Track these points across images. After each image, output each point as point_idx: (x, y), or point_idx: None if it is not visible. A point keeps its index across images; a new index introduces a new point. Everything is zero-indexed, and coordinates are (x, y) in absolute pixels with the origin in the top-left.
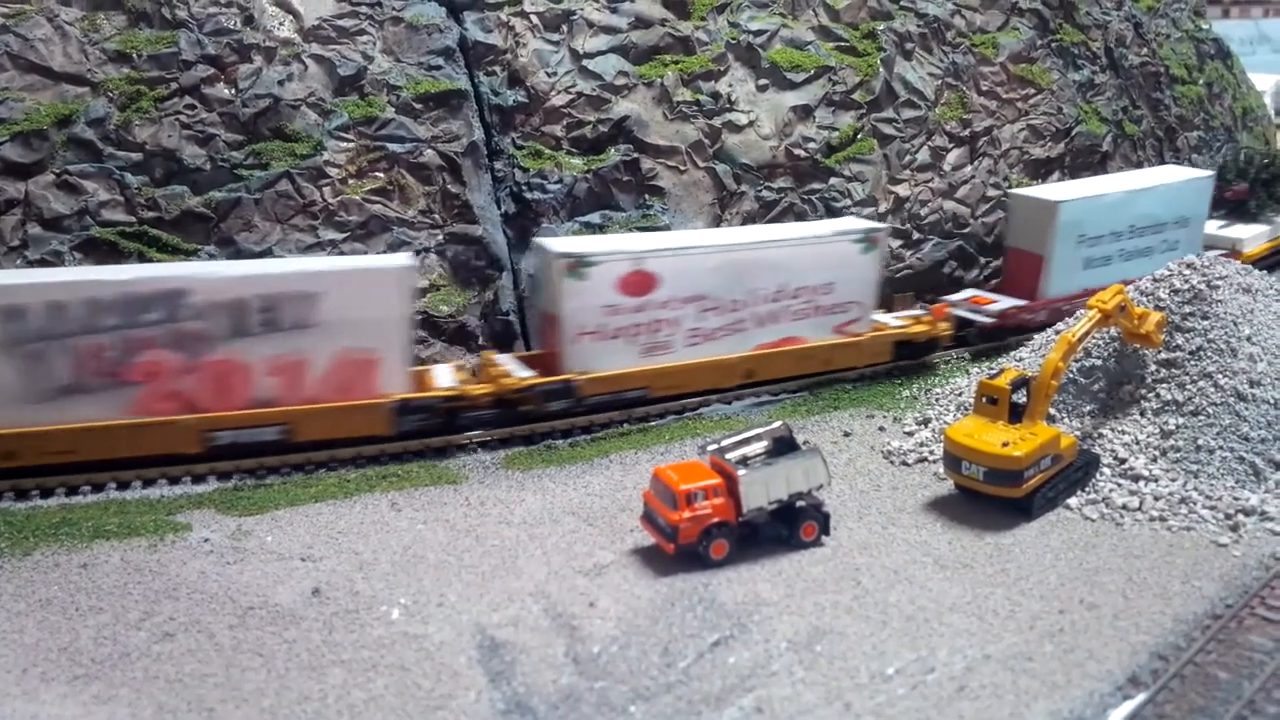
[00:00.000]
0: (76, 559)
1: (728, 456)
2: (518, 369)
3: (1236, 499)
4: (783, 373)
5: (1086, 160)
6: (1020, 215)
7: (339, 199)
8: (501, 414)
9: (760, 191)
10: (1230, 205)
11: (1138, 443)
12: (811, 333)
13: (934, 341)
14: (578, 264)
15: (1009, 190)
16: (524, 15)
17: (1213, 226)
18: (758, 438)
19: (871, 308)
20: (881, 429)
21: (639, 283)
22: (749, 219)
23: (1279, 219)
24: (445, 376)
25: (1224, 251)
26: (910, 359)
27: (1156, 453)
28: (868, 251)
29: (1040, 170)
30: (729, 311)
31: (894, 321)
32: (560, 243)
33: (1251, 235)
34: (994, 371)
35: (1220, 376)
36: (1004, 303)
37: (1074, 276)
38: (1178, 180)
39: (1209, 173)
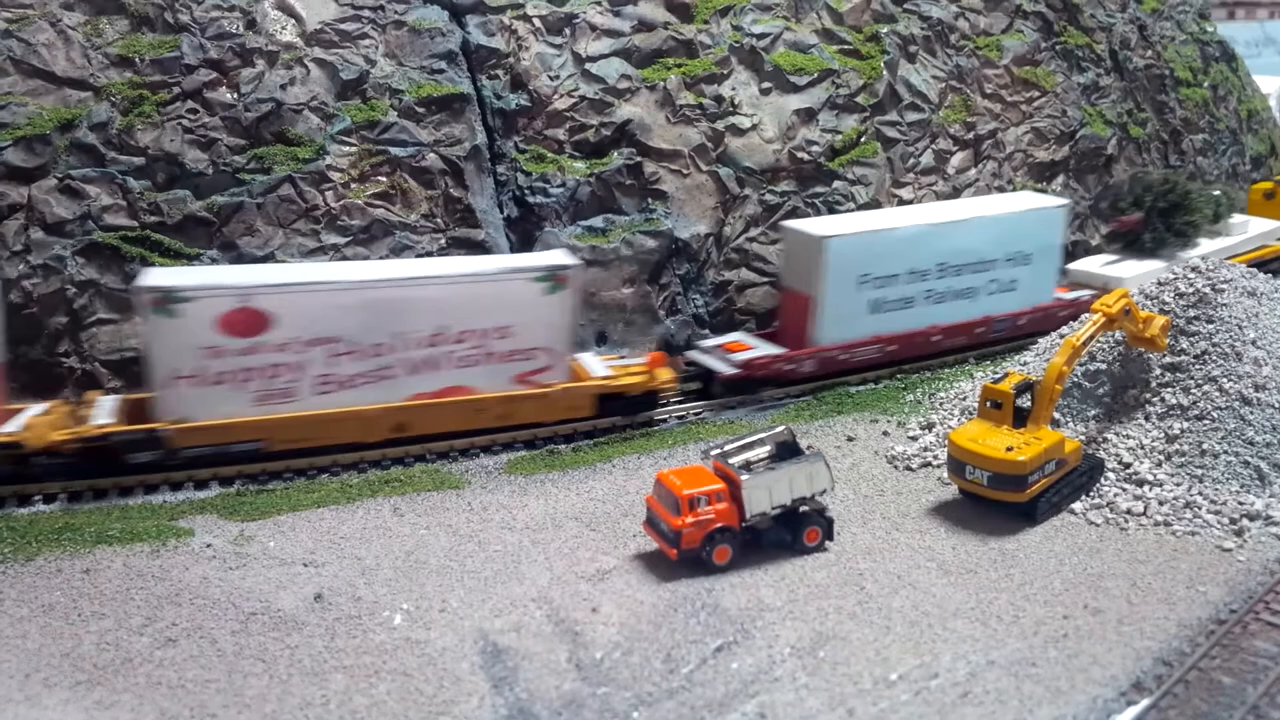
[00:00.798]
0: (79, 564)
1: (731, 461)
2: (105, 414)
3: (1241, 503)
4: (446, 427)
5: (1091, 163)
6: (792, 250)
7: (341, 203)
8: (84, 464)
9: (764, 195)
10: (1122, 237)
11: (1142, 447)
12: (486, 382)
13: (653, 394)
14: (165, 299)
15: (782, 223)
16: (526, 19)
17: (1097, 262)
18: (761, 442)
19: (565, 355)
20: (885, 433)
21: (247, 322)
22: (752, 222)
23: (1183, 254)
24: (23, 420)
25: (1095, 293)
26: (625, 414)
27: (1161, 457)
28: (554, 291)
29: (1045, 173)
30: (370, 356)
31: (601, 370)
32: (156, 274)
33: (1136, 274)
34: (998, 376)
35: (1225, 380)
36: (759, 350)
37: (856, 322)
38: (1007, 211)
39: (1060, 201)
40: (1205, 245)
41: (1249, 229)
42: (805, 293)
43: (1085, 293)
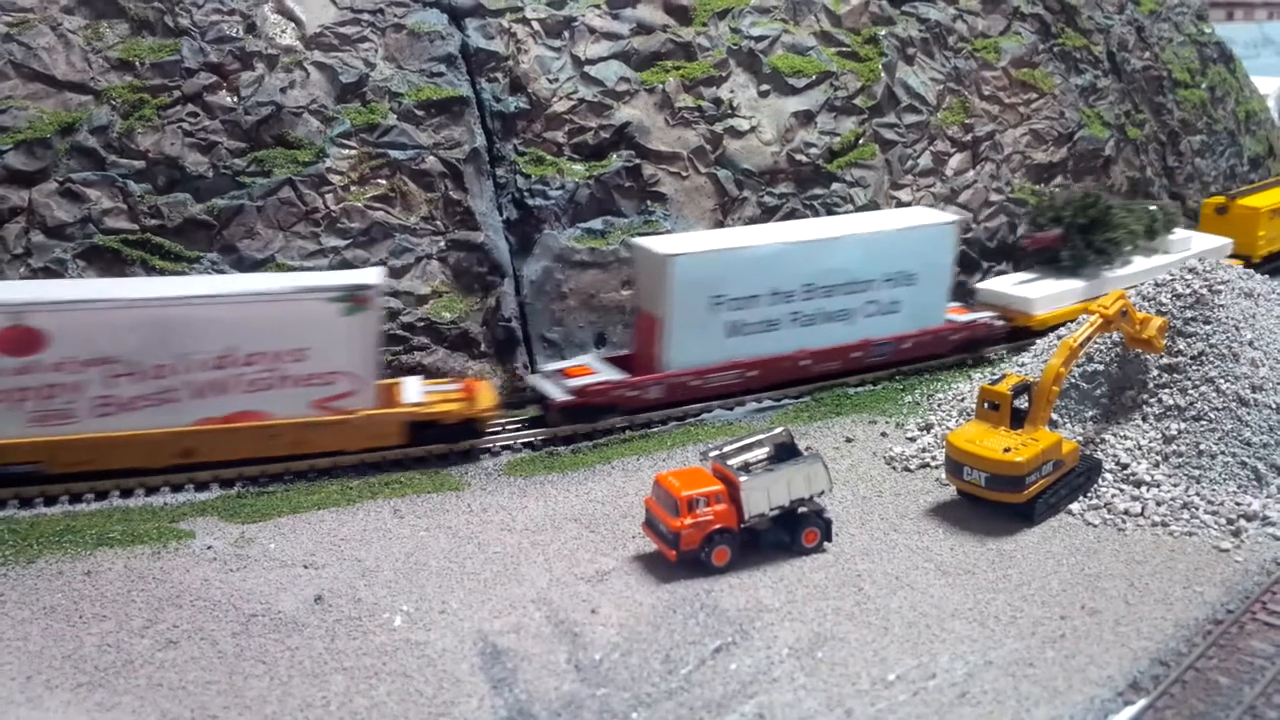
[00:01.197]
0: (80, 566)
1: (729, 462)
2: None
3: (1238, 504)
4: (238, 453)
5: (1089, 165)
6: (641, 269)
7: (341, 206)
8: None
9: (762, 197)
10: (1039, 255)
11: (1140, 448)
12: (281, 407)
13: (471, 421)
14: None
15: (631, 239)
16: (525, 22)
17: (1008, 281)
18: (759, 443)
19: (370, 379)
20: (884, 434)
21: (19, 340)
22: (752, 224)
23: (1106, 273)
24: None
25: (996, 315)
26: (444, 443)
27: (1158, 458)
28: (353, 313)
29: (1043, 175)
30: (151, 378)
31: (415, 396)
32: None
33: (1047, 294)
34: (996, 377)
35: (1222, 381)
36: (601, 374)
37: (709, 346)
38: (882, 229)
39: (949, 217)
40: (1139, 264)
41: (1191, 246)
42: (653, 314)
43: (982, 315)
